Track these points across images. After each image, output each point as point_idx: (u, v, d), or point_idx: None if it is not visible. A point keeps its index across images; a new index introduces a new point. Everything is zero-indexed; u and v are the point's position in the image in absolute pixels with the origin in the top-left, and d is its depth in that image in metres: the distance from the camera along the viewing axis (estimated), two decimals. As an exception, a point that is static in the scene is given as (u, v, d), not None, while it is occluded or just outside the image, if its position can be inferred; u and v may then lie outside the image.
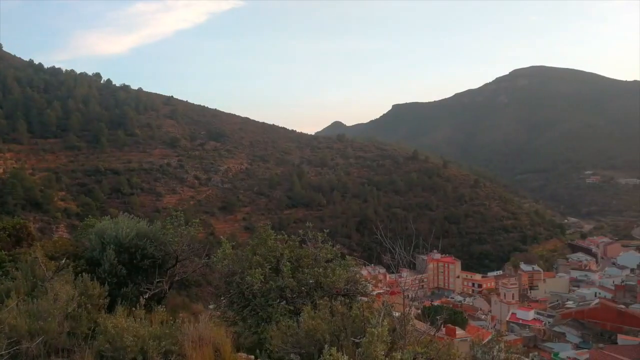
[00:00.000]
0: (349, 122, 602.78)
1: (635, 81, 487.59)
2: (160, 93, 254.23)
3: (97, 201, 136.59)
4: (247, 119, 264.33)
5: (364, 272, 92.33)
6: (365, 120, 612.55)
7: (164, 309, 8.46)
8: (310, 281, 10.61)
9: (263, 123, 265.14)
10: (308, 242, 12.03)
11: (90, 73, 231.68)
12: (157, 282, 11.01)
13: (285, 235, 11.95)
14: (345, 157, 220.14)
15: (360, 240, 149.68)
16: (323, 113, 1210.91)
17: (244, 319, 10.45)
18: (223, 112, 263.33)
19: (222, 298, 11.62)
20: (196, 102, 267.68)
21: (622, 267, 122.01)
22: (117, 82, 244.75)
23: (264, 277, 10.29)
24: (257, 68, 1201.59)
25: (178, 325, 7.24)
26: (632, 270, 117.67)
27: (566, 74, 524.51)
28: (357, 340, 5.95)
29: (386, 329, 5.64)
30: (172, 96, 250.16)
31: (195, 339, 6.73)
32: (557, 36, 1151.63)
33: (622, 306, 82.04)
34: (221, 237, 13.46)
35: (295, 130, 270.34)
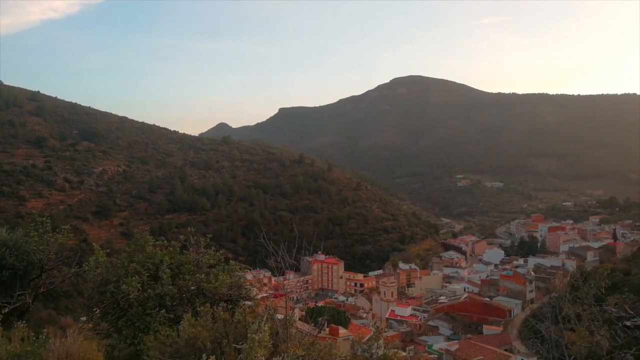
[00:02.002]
0: (235, 124, 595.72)
1: (499, 93, 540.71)
2: (25, 88, 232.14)
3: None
4: (124, 118, 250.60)
5: (249, 276, 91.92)
6: (252, 123, 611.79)
7: (26, 325, 7.68)
8: (192, 288, 10.30)
9: (142, 123, 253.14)
10: (190, 247, 11.67)
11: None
12: (19, 295, 10.00)
13: (166, 241, 11.49)
14: (231, 160, 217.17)
15: (246, 244, 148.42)
16: (208, 114, 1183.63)
17: (119, 331, 9.85)
18: (98, 111, 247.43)
19: (96, 309, 10.86)
20: (67, 99, 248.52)
21: (488, 263, 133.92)
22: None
23: (142, 285, 9.78)
24: (136, 65, 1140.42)
25: (42, 342, 6.61)
26: (496, 265, 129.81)
27: (441, 84, 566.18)
28: (238, 347, 5.83)
29: (267, 333, 5.59)
30: (38, 91, 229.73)
31: (62, 356, 6.19)
32: (433, 48, 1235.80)
33: (487, 299, 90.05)
34: (94, 244, 12.51)
35: (178, 131, 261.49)
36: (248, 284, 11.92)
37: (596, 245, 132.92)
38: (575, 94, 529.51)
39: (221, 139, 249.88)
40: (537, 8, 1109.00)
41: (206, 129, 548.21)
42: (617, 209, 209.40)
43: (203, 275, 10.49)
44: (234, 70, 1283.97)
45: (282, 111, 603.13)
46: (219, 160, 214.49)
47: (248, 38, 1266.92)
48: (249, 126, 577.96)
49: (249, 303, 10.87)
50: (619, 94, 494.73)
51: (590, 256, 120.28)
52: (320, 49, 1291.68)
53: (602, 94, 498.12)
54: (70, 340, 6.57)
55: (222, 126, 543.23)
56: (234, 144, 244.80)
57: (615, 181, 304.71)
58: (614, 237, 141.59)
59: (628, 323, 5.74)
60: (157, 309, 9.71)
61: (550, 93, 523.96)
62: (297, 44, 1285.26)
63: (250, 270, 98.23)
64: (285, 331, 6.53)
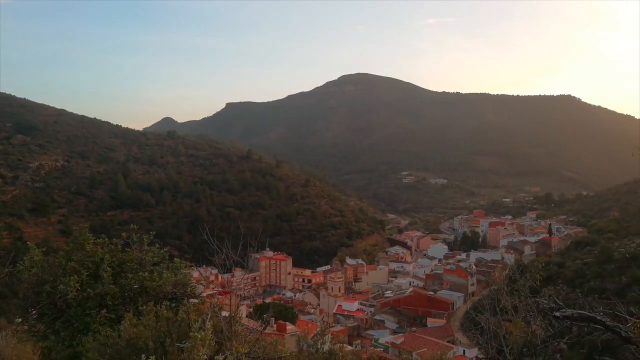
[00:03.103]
0: (180, 118, 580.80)
1: (443, 92, 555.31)
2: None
3: None
4: (63, 111, 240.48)
5: (196, 273, 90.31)
6: (198, 118, 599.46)
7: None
8: (135, 286, 10.03)
9: (83, 116, 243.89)
10: (133, 245, 11.36)
11: None
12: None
13: (107, 239, 11.12)
14: (176, 155, 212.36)
15: (192, 241, 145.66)
16: (152, 108, 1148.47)
17: (56, 332, 9.46)
18: (34, 103, 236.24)
19: (32, 310, 10.38)
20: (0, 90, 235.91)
21: (432, 258, 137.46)
22: None
23: (81, 285, 9.43)
24: (75, 56, 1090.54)
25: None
26: (439, 260, 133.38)
27: (388, 83, 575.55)
28: (181, 345, 5.73)
29: (210, 331, 5.52)
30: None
31: (-7, 360, 5.87)
32: (381, 47, 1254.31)
33: (432, 292, 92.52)
34: (29, 242, 11.97)
35: (121, 126, 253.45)
36: (194, 281, 11.73)
37: (533, 239, 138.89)
38: (515, 94, 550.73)
39: (166, 134, 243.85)
40: (479, 10, 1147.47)
41: (150, 124, 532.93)
42: (553, 205, 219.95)
43: (146, 274, 10.23)
44: (180, 63, 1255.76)
45: (230, 106, 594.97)
46: (164, 156, 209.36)
47: (195, 30, 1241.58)
48: (195, 121, 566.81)
49: (195, 301, 10.70)
50: (555, 95, 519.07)
51: (527, 250, 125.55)
52: (269, 45, 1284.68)
53: (540, 95, 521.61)
54: (2, 343, 6.25)
55: (167, 120, 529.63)
56: (180, 139, 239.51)
57: (551, 178, 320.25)
58: (550, 232, 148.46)
59: (557, 314, 6.04)
60: (98, 309, 9.41)
61: (492, 93, 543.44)
62: (245, 39, 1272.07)
63: (196, 267, 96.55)
64: (229, 328, 6.48)
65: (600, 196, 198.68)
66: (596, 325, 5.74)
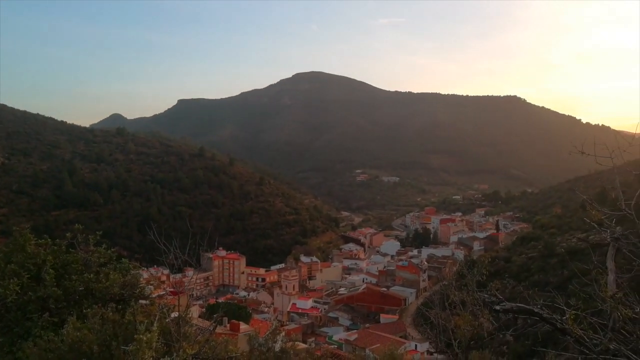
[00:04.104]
0: (130, 115, 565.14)
1: (396, 91, 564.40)
2: None
3: None
4: (3, 107, 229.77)
5: (146, 274, 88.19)
6: (149, 114, 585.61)
7: None
8: (80, 288, 9.69)
9: (25, 112, 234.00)
10: (78, 246, 10.97)
11: None
12: None
13: (49, 240, 10.68)
14: (125, 153, 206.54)
15: (143, 241, 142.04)
16: (100, 104, 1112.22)
17: (-6, 338, 9.00)
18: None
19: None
20: None
21: (385, 255, 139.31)
22: None
23: (21, 288, 9.02)
24: (15, 48, 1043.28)
25: None
26: (392, 256, 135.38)
27: (342, 81, 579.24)
28: (127, 349, 5.57)
29: (156, 333, 5.38)
30: None
31: None
32: (334, 46, 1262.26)
33: (384, 289, 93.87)
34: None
35: (66, 122, 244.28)
36: (144, 282, 11.45)
37: (482, 235, 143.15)
38: (465, 94, 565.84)
39: (115, 131, 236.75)
40: (428, 11, 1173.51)
41: (98, 120, 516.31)
42: (500, 202, 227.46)
43: (92, 275, 9.91)
44: (129, 58, 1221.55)
45: (182, 103, 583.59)
46: (113, 153, 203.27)
47: (146, 24, 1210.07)
48: (145, 117, 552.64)
49: (145, 302, 10.44)
50: (502, 95, 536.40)
51: (476, 246, 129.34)
52: (221, 41, 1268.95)
53: (488, 96, 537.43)
54: None
55: (115, 117, 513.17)
56: (129, 136, 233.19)
57: (498, 176, 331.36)
58: (497, 228, 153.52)
59: (497, 307, 6.26)
60: (39, 313, 9.02)
61: (443, 93, 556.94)
62: (197, 34, 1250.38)
63: (146, 268, 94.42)
64: (178, 329, 6.35)
65: (544, 193, 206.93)
66: (534, 317, 5.98)
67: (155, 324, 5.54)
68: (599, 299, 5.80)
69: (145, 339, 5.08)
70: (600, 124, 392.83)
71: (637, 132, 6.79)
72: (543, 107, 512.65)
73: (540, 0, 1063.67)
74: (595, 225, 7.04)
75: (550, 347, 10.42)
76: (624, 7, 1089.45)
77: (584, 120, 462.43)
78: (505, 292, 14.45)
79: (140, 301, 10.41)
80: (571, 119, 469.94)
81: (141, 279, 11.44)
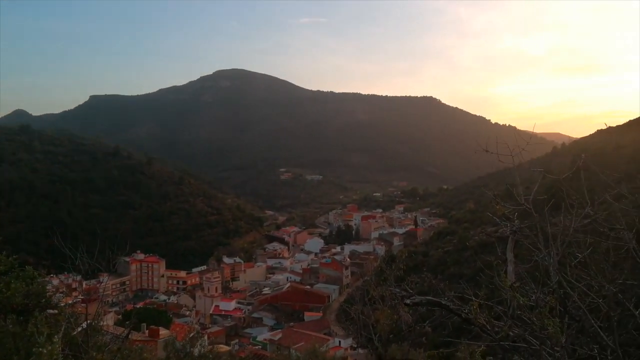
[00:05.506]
0: (35, 111, 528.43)
1: (318, 91, 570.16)
2: None
3: None
4: None
5: (56, 281, 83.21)
6: (57, 111, 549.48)
7: None
8: (-25, 300, 8.89)
9: None
10: (-27, 253, 10.08)
11: None
12: None
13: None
14: (30, 152, 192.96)
15: (51, 247, 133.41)
16: (1, 98, 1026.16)
17: None
18: None
19: None
20: None
21: (309, 252, 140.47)
22: None
23: None
24: None
25: None
26: (316, 254, 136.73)
27: (264, 80, 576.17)
28: (27, 364, 5.17)
29: (58, 345, 5.04)
30: None
31: None
32: (256, 43, 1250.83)
33: (308, 287, 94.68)
34: None
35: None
36: (52, 290, 10.74)
37: (401, 231, 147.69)
38: (383, 94, 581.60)
39: (18, 128, 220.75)
40: (347, 11, 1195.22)
41: None
42: (418, 198, 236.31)
43: (-10, 285, 9.13)
44: (35, 49, 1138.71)
45: (94, 99, 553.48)
46: (16, 152, 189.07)
47: (52, 12, 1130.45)
48: (53, 114, 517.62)
49: (53, 312, 9.78)
50: (418, 96, 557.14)
51: (396, 241, 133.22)
52: (138, 35, 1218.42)
53: (405, 96, 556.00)
54: None
55: (19, 113, 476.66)
56: (35, 133, 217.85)
57: (416, 173, 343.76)
58: (415, 224, 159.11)
59: (408, 301, 6.48)
60: None
61: (363, 93, 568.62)
62: (112, 26, 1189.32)
63: (55, 275, 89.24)
64: (87, 339, 5.98)
65: (458, 189, 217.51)
66: (442, 309, 6.25)
67: (58, 335, 5.18)
68: (501, 288, 6.16)
69: (45, 351, 4.73)
70: (507, 124, 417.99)
71: (535, 131, 7.28)
72: (456, 108, 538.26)
73: (455, 6, 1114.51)
74: (497, 220, 7.49)
75: (465, 336, 10.94)
76: (528, 16, 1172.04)
77: (493, 121, 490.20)
78: (424, 286, 14.99)
79: (48, 311, 9.75)
80: (481, 119, 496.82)
81: (49, 287, 10.75)
